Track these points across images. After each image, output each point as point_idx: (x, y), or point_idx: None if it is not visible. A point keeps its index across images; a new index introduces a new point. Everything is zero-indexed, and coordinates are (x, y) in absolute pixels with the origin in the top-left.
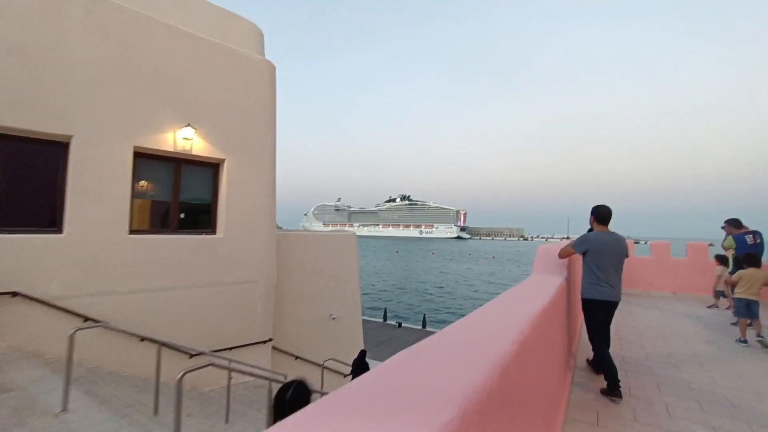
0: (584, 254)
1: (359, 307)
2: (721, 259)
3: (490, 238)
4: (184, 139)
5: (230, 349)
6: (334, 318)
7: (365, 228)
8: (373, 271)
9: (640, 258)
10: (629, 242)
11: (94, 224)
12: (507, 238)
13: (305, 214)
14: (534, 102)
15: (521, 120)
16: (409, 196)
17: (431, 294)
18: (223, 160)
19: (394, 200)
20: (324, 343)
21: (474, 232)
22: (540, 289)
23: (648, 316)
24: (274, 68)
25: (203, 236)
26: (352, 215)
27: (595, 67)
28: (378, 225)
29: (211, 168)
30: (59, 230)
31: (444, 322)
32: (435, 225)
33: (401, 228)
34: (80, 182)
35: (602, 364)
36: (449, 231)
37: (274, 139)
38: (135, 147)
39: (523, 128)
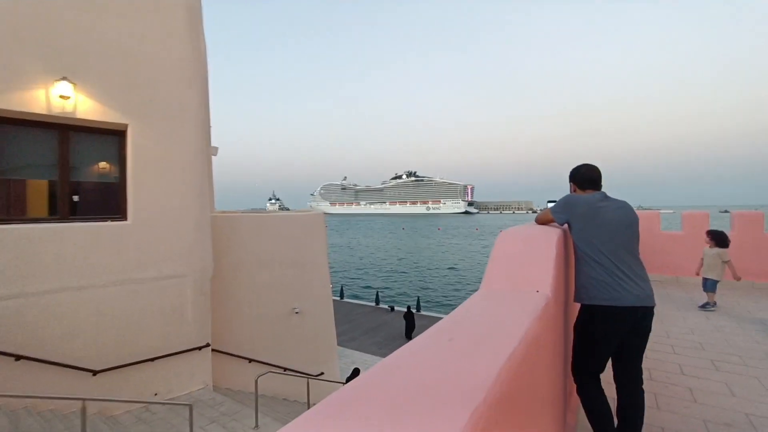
0: (569, 228)
1: (329, 298)
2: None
3: (498, 212)
4: (61, 98)
5: (152, 360)
6: (297, 312)
7: (372, 206)
8: (372, 249)
9: (666, 233)
10: (653, 213)
11: None
12: (515, 212)
13: (312, 194)
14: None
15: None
16: (415, 173)
17: (431, 273)
18: (126, 126)
19: (400, 177)
20: (286, 342)
21: (482, 207)
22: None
23: (686, 321)
24: (194, 8)
25: (106, 224)
26: (359, 193)
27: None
28: (385, 202)
29: (113, 137)
30: None
31: (440, 305)
32: (442, 200)
33: (408, 205)
34: None
35: (590, 407)
36: (456, 206)
37: (201, 100)
38: None
39: (526, 98)
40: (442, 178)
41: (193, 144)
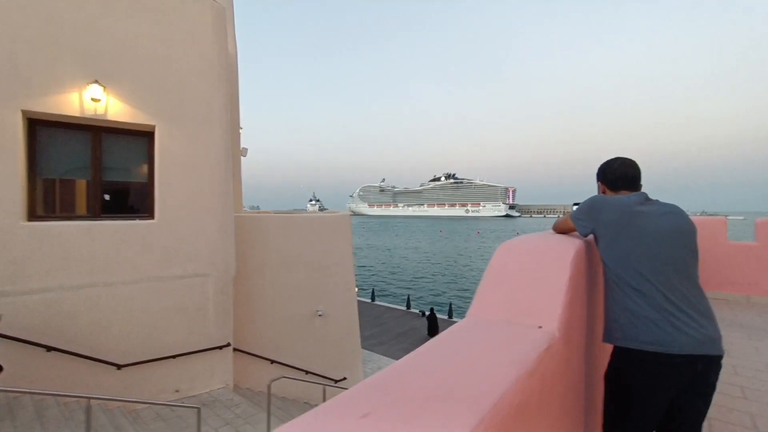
0: (596, 241)
1: (354, 301)
2: None
3: (542, 215)
4: (93, 101)
5: (174, 357)
6: (320, 315)
7: (410, 208)
8: (408, 252)
9: (734, 243)
10: (719, 219)
11: None
12: (560, 215)
13: (351, 196)
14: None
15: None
16: (454, 174)
17: (467, 278)
18: (153, 128)
19: (438, 179)
20: (308, 345)
21: (524, 210)
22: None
23: (759, 354)
24: (221, 11)
25: (135, 222)
26: (397, 195)
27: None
28: (423, 204)
29: (142, 138)
30: None
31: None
32: (482, 203)
33: (447, 207)
34: None
35: None
36: (497, 209)
37: (227, 101)
38: (25, 111)
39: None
40: (482, 180)
41: (218, 145)
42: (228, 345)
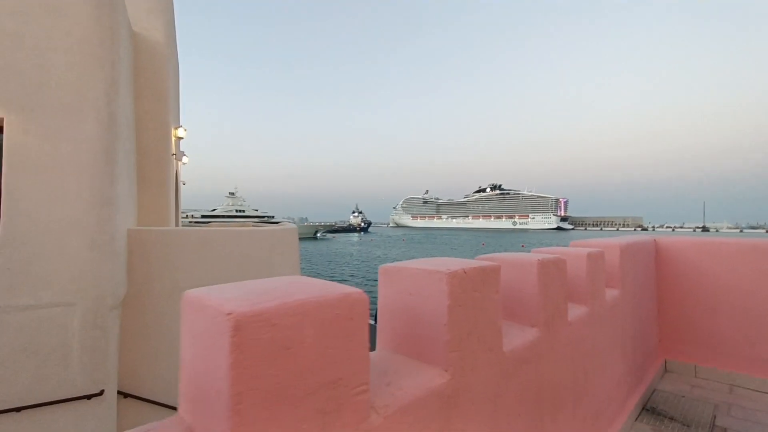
0: None
1: None
2: None
3: (599, 228)
4: None
5: (17, 410)
6: None
7: (454, 220)
8: None
9: None
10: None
11: None
12: (620, 228)
13: (394, 208)
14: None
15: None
16: (500, 185)
17: None
18: (1, 120)
19: (483, 190)
20: None
21: (578, 222)
22: None
23: None
24: None
25: None
26: (440, 207)
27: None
28: (468, 216)
29: None
30: None
31: None
32: (531, 215)
33: (492, 219)
34: None
35: None
36: (547, 221)
37: (112, 90)
38: None
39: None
40: (530, 191)
41: (93, 142)
42: (100, 393)
